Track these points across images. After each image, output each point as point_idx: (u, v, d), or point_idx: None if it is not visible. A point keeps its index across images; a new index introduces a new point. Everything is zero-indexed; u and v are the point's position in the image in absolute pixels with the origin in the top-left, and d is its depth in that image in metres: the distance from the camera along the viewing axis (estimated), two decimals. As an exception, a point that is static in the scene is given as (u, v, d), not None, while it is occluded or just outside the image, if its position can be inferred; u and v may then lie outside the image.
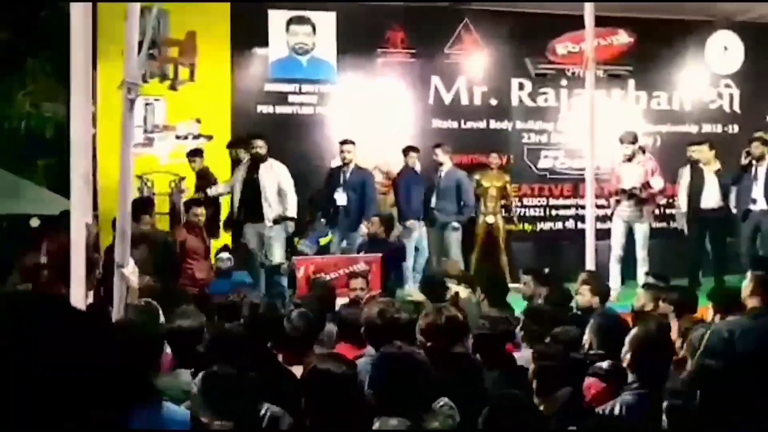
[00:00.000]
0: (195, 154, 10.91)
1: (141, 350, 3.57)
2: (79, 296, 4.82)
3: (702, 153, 11.28)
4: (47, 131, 12.74)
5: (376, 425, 3.36)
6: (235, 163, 10.75)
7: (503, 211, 11.83)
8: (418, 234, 11.12)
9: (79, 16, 5.13)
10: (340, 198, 10.68)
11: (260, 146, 10.25)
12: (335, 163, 11.17)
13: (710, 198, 11.22)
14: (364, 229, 10.49)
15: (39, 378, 1.08)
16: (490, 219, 11.66)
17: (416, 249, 11.06)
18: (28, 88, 13.13)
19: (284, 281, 9.82)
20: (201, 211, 9.77)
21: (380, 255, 9.41)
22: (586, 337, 5.13)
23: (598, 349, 4.94)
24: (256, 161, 10.26)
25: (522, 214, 12.34)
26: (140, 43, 5.33)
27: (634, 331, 4.50)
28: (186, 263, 9.59)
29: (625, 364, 4.37)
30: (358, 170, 10.85)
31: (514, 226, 12.11)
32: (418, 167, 11.35)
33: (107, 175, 9.70)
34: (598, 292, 7.13)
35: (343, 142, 10.87)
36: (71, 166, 4.99)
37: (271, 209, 10.11)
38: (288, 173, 10.34)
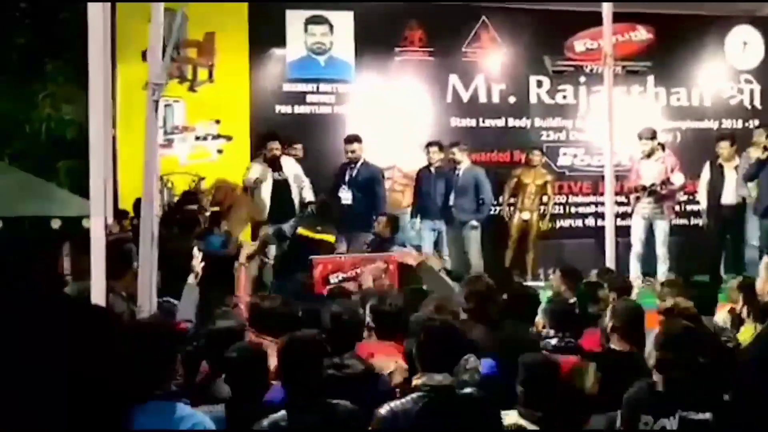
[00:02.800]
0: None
1: (151, 350, 3.59)
2: (99, 295, 4.84)
3: (727, 149, 11.21)
4: (68, 133, 12.80)
5: (422, 380, 3.89)
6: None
7: (541, 209, 11.77)
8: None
9: (96, 16, 5.15)
10: (345, 196, 10.58)
11: (276, 148, 10.32)
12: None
13: (730, 194, 11.14)
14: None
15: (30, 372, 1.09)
16: (526, 215, 11.61)
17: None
18: (48, 90, 13.20)
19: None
20: (195, 207, 9.94)
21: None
22: (540, 321, 5.94)
23: (550, 330, 5.55)
24: (274, 162, 10.30)
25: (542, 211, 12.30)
26: (163, 46, 5.35)
27: (657, 331, 4.44)
28: None
29: (650, 364, 4.31)
30: (366, 167, 10.76)
31: (549, 224, 12.01)
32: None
33: (128, 176, 9.77)
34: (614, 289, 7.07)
35: (348, 140, 10.78)
36: (90, 167, 5.02)
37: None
38: (297, 164, 10.55)
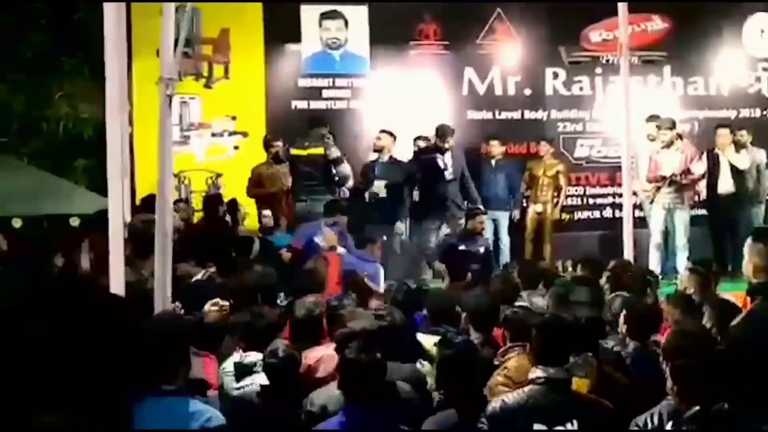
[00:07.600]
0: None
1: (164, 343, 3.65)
2: (118, 290, 4.87)
3: (724, 137, 11.19)
4: (85, 132, 12.84)
5: (537, 373, 3.98)
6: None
7: (554, 200, 11.78)
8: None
9: (112, 15, 5.16)
10: (379, 190, 10.60)
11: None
12: (372, 156, 11.13)
13: (725, 183, 11.13)
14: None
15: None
16: (539, 208, 11.64)
17: None
18: (65, 89, 13.24)
19: None
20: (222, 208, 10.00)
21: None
22: None
23: None
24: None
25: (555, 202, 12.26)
26: (176, 41, 5.37)
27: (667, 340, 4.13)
28: None
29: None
30: (395, 162, 10.84)
31: (561, 214, 12.00)
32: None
33: (145, 173, 9.82)
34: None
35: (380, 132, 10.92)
36: (108, 164, 5.04)
37: None
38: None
